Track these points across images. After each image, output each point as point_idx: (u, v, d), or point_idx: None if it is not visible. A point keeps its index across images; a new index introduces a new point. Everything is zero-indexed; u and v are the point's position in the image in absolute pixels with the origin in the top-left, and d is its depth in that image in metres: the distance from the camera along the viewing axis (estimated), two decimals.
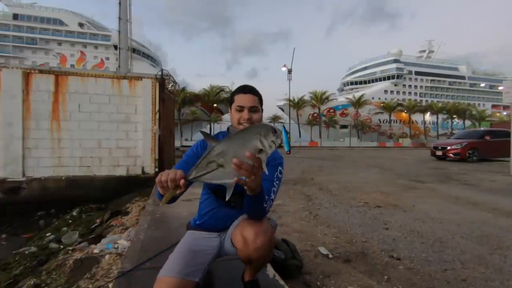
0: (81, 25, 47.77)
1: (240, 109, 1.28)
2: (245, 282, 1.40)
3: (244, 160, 0.88)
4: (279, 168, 1.29)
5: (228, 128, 1.40)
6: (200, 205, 1.42)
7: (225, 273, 1.61)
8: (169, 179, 0.93)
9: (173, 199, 1.06)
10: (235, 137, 0.96)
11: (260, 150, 0.93)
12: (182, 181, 0.93)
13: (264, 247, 1.18)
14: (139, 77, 6.32)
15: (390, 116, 41.31)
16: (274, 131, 0.95)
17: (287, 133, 0.99)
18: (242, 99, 1.29)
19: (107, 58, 47.44)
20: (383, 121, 42.76)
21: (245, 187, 1.00)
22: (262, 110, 1.37)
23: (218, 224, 1.37)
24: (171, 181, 0.93)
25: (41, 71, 5.82)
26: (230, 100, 1.36)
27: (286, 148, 0.97)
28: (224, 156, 0.92)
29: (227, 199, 0.97)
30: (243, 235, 1.19)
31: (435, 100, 48.45)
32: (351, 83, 53.84)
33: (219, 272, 1.64)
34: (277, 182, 1.27)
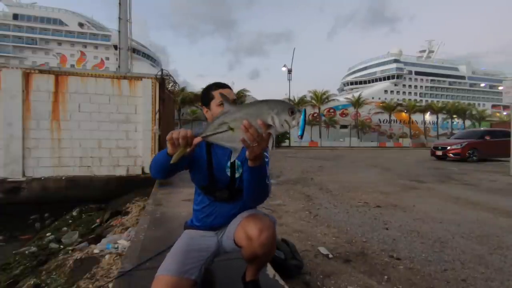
0: (81, 25, 47.82)
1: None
2: (246, 282, 1.40)
3: (254, 126, 0.90)
4: (265, 153, 1.30)
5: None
6: (195, 206, 1.44)
7: (225, 273, 1.61)
8: (181, 136, 0.96)
9: (173, 170, 1.13)
10: (251, 106, 0.96)
11: (269, 126, 0.92)
12: (195, 139, 0.96)
13: (269, 242, 1.21)
14: (139, 77, 6.32)
15: (390, 116, 41.30)
16: (292, 111, 0.92)
17: (305, 117, 0.96)
18: (225, 94, 1.29)
19: (107, 58, 47.49)
20: (383, 121, 42.76)
21: (247, 156, 1.03)
22: None
23: (213, 221, 1.38)
24: (183, 138, 0.96)
25: (41, 71, 5.82)
26: (206, 98, 1.34)
27: (299, 132, 0.96)
28: (235, 120, 0.93)
29: (232, 160, 1.01)
30: (247, 232, 1.21)
31: (435, 100, 48.46)
32: (351, 83, 53.87)
33: (219, 272, 1.64)
34: (268, 167, 1.29)
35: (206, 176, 1.32)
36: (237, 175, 1.34)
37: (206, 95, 1.34)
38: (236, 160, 1.32)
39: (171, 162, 1.02)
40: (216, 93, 1.31)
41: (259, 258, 1.26)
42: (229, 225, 1.37)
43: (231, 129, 0.93)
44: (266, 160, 1.28)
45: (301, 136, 0.97)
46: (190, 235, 1.35)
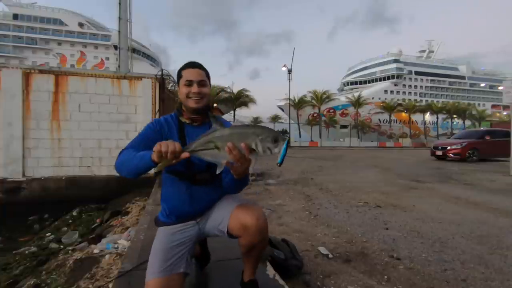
0: (81, 25, 47.79)
1: (189, 83, 1.28)
2: (245, 282, 1.40)
3: (238, 147, 0.96)
4: None
5: (178, 110, 1.37)
6: (165, 195, 1.36)
7: (224, 273, 1.61)
8: (170, 151, 0.98)
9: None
10: (238, 128, 1.03)
11: (253, 150, 0.97)
12: (183, 155, 1.00)
13: (266, 227, 1.26)
14: (139, 77, 6.32)
15: (390, 116, 41.27)
16: (275, 140, 0.98)
17: (288, 146, 1.01)
18: (190, 74, 1.29)
19: (107, 58, 47.46)
20: (383, 121, 42.72)
21: (231, 172, 1.08)
22: (210, 85, 1.37)
23: (191, 209, 1.32)
24: (171, 153, 0.98)
25: (41, 71, 5.82)
26: (177, 76, 1.34)
27: (278, 160, 1.01)
28: (222, 140, 0.99)
29: (217, 172, 1.06)
30: (243, 222, 1.22)
31: (435, 100, 48.44)
32: (351, 83, 53.80)
33: (218, 272, 1.64)
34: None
35: (183, 162, 1.25)
36: (217, 172, 1.33)
37: (178, 75, 1.34)
38: None
39: (155, 171, 1.07)
40: (184, 72, 1.30)
41: (257, 245, 1.27)
42: (213, 213, 1.35)
43: (217, 147, 1.00)
44: None
45: (280, 164, 1.02)
46: (167, 231, 1.30)
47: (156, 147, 0.99)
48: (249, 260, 1.36)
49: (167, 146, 0.98)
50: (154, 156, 1.01)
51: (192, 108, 1.29)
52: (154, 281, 1.12)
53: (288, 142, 1.03)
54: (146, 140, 1.25)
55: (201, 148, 1.01)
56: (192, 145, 1.03)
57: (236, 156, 0.95)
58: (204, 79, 1.31)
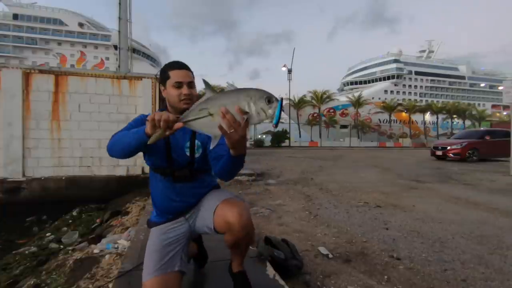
0: (81, 25, 47.81)
1: (179, 85, 1.26)
2: (234, 273, 1.41)
3: (231, 113, 0.92)
4: None
5: (162, 110, 1.33)
6: (154, 194, 1.38)
7: (222, 273, 1.61)
8: (163, 119, 0.95)
9: (137, 151, 1.15)
10: (230, 93, 0.99)
11: (246, 113, 0.94)
12: (176, 124, 0.96)
13: (249, 222, 1.24)
14: (139, 77, 6.32)
15: (390, 116, 41.28)
16: (269, 100, 0.95)
17: (281, 106, 0.99)
18: (179, 75, 1.27)
19: (107, 58, 47.49)
20: (383, 121, 42.73)
21: (227, 143, 1.00)
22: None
23: (178, 205, 1.34)
24: (165, 121, 0.95)
25: (41, 71, 5.81)
26: (162, 76, 1.31)
27: (274, 121, 0.99)
28: (215, 106, 0.95)
29: (211, 147, 1.00)
30: (227, 219, 1.21)
31: (435, 100, 48.44)
32: (351, 83, 53.81)
33: (217, 272, 1.64)
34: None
35: (164, 157, 1.28)
36: (196, 155, 1.31)
37: (163, 74, 1.31)
38: (197, 140, 1.31)
39: (148, 143, 1.01)
40: (172, 73, 1.27)
41: (241, 241, 1.27)
42: (201, 209, 1.35)
43: (211, 114, 0.96)
44: None
45: (276, 125, 1.00)
46: (159, 231, 1.31)
47: (149, 116, 0.98)
48: (235, 253, 1.38)
49: (161, 115, 0.96)
50: (148, 127, 0.99)
51: (182, 109, 1.25)
52: (150, 281, 1.13)
53: (281, 102, 1.00)
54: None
55: (195, 117, 0.97)
56: (187, 115, 0.99)
57: (230, 120, 0.91)
58: (193, 80, 1.30)
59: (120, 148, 1.16)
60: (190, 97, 1.26)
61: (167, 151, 1.28)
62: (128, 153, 1.16)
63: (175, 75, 1.27)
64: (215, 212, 1.27)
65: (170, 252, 1.23)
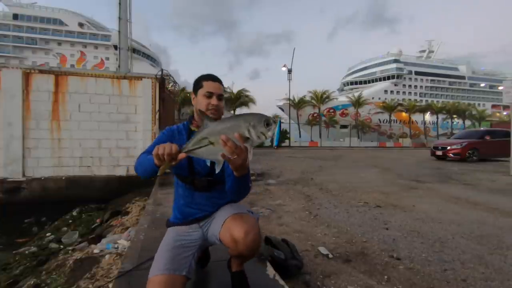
0: (81, 25, 47.78)
1: (210, 95, 1.33)
2: (233, 272, 1.44)
3: (232, 139, 0.96)
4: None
5: (189, 118, 1.45)
6: (175, 197, 1.46)
7: (224, 273, 1.61)
8: (166, 153, 1.01)
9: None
10: (228, 120, 1.03)
11: (247, 138, 0.97)
12: (180, 155, 1.02)
13: (255, 243, 1.25)
14: (139, 77, 6.33)
15: (390, 116, 41.28)
16: (267, 123, 0.98)
17: (280, 128, 1.01)
18: (212, 86, 1.34)
19: (107, 58, 47.46)
20: (383, 121, 42.72)
21: (230, 167, 1.07)
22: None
23: (195, 212, 1.40)
24: (168, 155, 1.01)
25: (41, 71, 5.82)
26: (196, 85, 1.38)
27: (274, 143, 1.01)
28: (215, 135, 0.99)
29: (217, 171, 1.06)
30: (232, 234, 1.24)
31: (435, 100, 48.44)
32: (351, 83, 53.78)
33: (217, 272, 1.64)
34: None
35: (186, 167, 1.35)
36: (217, 170, 1.36)
37: (196, 83, 1.38)
38: None
39: (158, 174, 1.10)
40: (205, 83, 1.35)
41: (244, 257, 1.32)
42: (214, 219, 1.39)
43: (211, 143, 1.00)
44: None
45: (277, 146, 1.03)
46: (175, 232, 1.37)
47: (154, 151, 1.04)
48: (237, 260, 1.42)
49: (164, 148, 1.01)
50: (155, 160, 1.06)
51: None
52: (158, 277, 1.15)
53: (280, 124, 1.03)
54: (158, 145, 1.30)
55: (196, 147, 1.02)
56: (188, 145, 1.04)
57: (231, 147, 0.95)
58: (222, 94, 1.37)
59: (141, 171, 1.24)
60: (217, 108, 1.33)
61: (190, 162, 1.35)
62: (148, 177, 1.23)
63: (208, 86, 1.34)
64: (223, 224, 1.30)
65: (181, 255, 1.25)
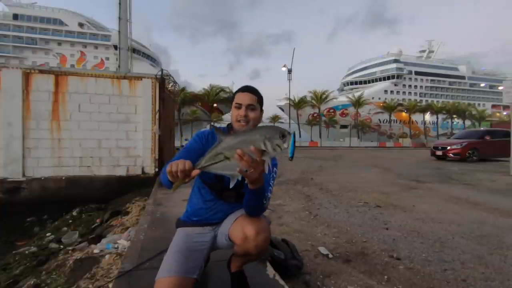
0: (81, 25, 47.74)
1: (238, 106, 1.32)
2: (232, 272, 1.44)
3: (248, 153, 0.95)
4: (275, 169, 1.39)
5: (227, 125, 1.45)
6: (193, 199, 1.43)
7: (224, 273, 1.61)
8: (180, 170, 0.98)
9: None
10: (243, 134, 1.03)
11: (263, 151, 0.97)
12: (193, 172, 1.00)
13: (264, 243, 1.25)
14: (139, 77, 6.32)
15: (390, 116, 41.28)
16: (283, 135, 0.98)
17: (295, 139, 1.02)
18: (241, 97, 1.33)
19: (107, 58, 47.42)
20: (383, 121, 42.75)
21: (246, 180, 1.06)
22: (262, 110, 1.40)
23: (212, 216, 1.38)
24: (181, 172, 0.98)
25: (41, 71, 5.81)
26: (232, 98, 1.39)
27: (289, 154, 1.03)
28: (230, 149, 0.98)
29: (231, 187, 1.06)
30: (244, 231, 1.23)
31: (435, 100, 48.44)
32: (351, 83, 53.80)
33: (218, 272, 1.64)
34: (272, 182, 1.37)
35: (213, 176, 1.32)
36: (231, 185, 1.35)
37: (233, 96, 1.39)
38: None
39: (171, 191, 1.08)
40: (236, 95, 1.35)
41: (250, 256, 1.30)
42: (225, 220, 1.38)
43: (227, 158, 0.99)
44: (274, 175, 1.37)
45: (291, 158, 1.04)
46: (186, 233, 1.34)
47: (167, 168, 1.01)
48: (239, 260, 1.40)
49: (177, 165, 0.99)
50: (169, 177, 1.03)
51: (237, 128, 1.33)
52: (169, 279, 1.12)
53: (294, 136, 1.04)
54: (189, 151, 1.28)
55: (211, 162, 1.01)
56: (202, 161, 1.03)
57: (248, 161, 0.95)
58: (253, 104, 1.33)
59: (163, 181, 1.21)
60: (245, 119, 1.31)
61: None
62: (169, 188, 1.22)
63: (237, 97, 1.34)
64: (235, 221, 1.30)
65: (192, 257, 1.24)
